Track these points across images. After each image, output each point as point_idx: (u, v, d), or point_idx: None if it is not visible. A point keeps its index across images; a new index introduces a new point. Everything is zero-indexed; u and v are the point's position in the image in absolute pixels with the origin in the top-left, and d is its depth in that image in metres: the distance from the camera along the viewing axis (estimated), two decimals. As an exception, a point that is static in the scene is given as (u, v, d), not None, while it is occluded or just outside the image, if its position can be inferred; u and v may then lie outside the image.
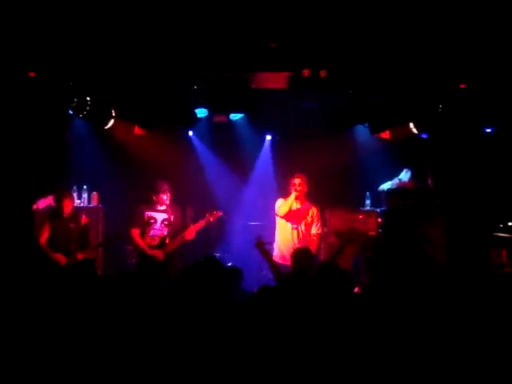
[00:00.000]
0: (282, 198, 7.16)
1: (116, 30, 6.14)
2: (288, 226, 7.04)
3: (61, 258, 6.71)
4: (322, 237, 7.30)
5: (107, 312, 3.62)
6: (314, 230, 7.06)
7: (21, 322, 3.57)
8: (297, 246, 6.71)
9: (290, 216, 7.02)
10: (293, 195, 6.99)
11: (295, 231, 7.02)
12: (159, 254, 6.87)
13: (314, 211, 7.09)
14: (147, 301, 3.72)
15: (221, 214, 7.09)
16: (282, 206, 7.03)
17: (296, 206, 7.06)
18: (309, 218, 7.05)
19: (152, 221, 6.98)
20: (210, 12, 5.94)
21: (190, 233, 6.90)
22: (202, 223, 6.97)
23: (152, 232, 6.98)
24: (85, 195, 8.04)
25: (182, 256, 7.08)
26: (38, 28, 5.97)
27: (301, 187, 7.02)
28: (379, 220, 7.89)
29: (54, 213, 6.96)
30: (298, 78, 6.72)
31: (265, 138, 9.01)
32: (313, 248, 6.66)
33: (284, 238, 7.05)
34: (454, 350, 3.39)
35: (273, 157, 8.92)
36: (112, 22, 6.03)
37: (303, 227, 7.03)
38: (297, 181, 7.03)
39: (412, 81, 6.89)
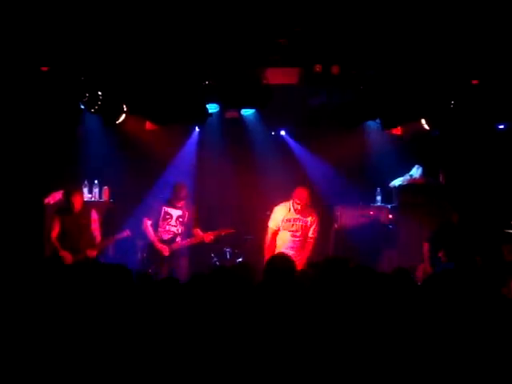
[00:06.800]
0: (279, 205, 7.22)
1: (127, 24, 6.15)
2: (285, 233, 7.17)
3: (67, 257, 6.72)
4: (316, 242, 7.28)
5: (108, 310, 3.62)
6: (310, 234, 7.16)
7: (22, 315, 3.57)
8: (292, 248, 7.03)
9: (287, 226, 7.12)
10: (290, 214, 7.07)
11: (292, 237, 7.14)
12: (165, 250, 7.20)
13: (312, 219, 7.15)
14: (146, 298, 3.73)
15: (233, 231, 7.50)
16: (273, 219, 7.16)
17: (294, 215, 7.12)
18: (309, 223, 7.14)
19: (168, 216, 7.31)
20: (222, 7, 5.95)
21: (207, 237, 7.28)
22: (213, 234, 7.31)
23: (167, 227, 7.30)
24: (96, 190, 8.06)
25: (186, 254, 7.42)
26: (51, 23, 6.00)
27: (301, 203, 7.00)
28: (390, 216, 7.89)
29: (64, 209, 6.98)
30: (310, 74, 6.72)
31: (272, 133, 8.99)
32: (307, 250, 7.09)
33: (282, 241, 7.16)
34: (461, 350, 3.37)
35: (282, 153, 8.86)
36: (124, 16, 6.05)
37: (300, 232, 7.13)
38: (297, 201, 7.00)
39: (424, 77, 6.86)
